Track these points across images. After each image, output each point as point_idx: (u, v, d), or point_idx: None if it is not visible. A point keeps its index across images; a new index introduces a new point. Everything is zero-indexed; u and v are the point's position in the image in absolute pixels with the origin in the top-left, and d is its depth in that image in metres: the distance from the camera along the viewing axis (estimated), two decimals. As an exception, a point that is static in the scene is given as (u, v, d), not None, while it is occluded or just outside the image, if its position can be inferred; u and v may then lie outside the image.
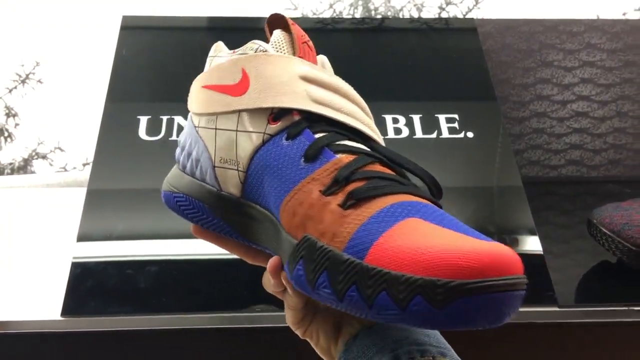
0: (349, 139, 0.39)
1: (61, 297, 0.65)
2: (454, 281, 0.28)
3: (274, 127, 0.39)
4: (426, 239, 0.31)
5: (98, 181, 0.75)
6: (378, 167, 0.37)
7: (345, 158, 0.37)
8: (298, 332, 0.44)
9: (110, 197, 0.75)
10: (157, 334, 0.63)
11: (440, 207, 0.36)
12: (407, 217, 0.33)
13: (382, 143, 0.41)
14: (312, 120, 0.39)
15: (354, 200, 0.34)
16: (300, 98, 0.39)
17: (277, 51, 0.41)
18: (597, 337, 0.66)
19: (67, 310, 0.64)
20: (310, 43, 0.42)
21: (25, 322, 0.63)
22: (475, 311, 0.29)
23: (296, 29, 0.42)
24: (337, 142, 0.38)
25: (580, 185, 0.89)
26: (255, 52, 0.41)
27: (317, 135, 0.38)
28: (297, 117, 0.39)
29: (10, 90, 0.97)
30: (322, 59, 0.43)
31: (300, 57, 0.40)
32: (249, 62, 0.40)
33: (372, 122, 0.41)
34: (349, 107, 0.40)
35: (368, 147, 0.39)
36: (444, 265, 0.29)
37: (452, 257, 0.29)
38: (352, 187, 0.35)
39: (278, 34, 0.42)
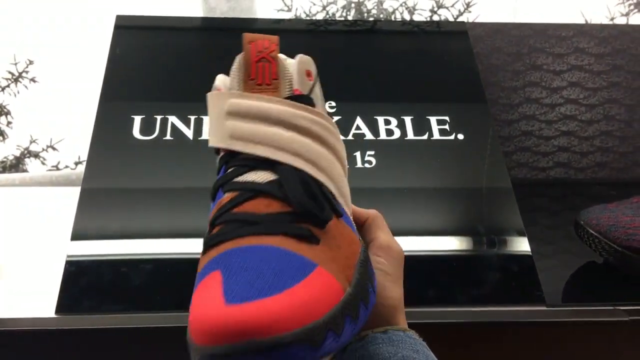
0: (256, 169, 0.37)
1: (55, 295, 0.65)
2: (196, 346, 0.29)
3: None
4: (193, 302, 0.31)
5: (92, 180, 0.76)
6: (249, 205, 0.35)
7: (226, 198, 0.36)
8: None
9: (104, 196, 0.75)
10: (150, 331, 0.63)
11: (308, 235, 0.34)
12: (209, 273, 0.32)
13: (306, 156, 0.38)
14: (232, 155, 0.38)
15: (203, 251, 0.34)
16: (221, 135, 0.38)
17: (232, 80, 0.41)
18: (583, 335, 0.67)
19: (61, 308, 0.65)
20: (273, 54, 0.40)
21: (20, 319, 0.63)
22: None
23: (251, 48, 0.40)
24: (235, 179, 0.37)
25: (567, 187, 0.91)
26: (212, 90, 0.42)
27: (228, 171, 0.38)
28: (222, 154, 0.40)
29: (3, 89, 0.97)
30: (302, 60, 0.41)
31: (252, 78, 0.39)
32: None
33: (294, 141, 0.38)
34: (270, 133, 0.38)
35: (272, 174, 0.37)
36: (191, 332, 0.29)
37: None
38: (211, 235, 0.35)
39: (236, 60, 0.42)
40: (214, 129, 0.39)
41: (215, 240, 0.33)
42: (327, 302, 0.30)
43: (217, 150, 0.41)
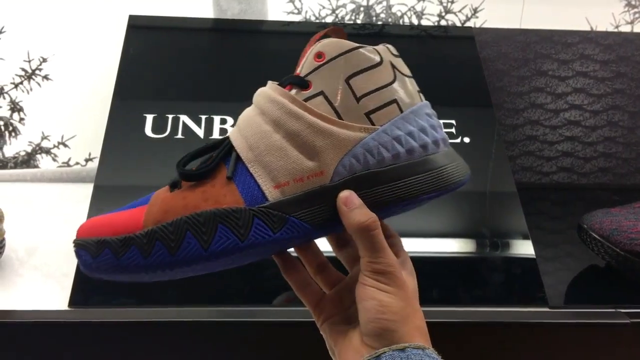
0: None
1: (69, 289, 0.67)
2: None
3: None
4: None
5: (105, 177, 0.77)
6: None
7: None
8: (317, 323, 0.46)
9: (117, 192, 0.76)
10: (161, 325, 0.65)
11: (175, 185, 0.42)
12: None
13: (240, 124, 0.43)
14: None
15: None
16: None
17: None
18: (585, 336, 0.68)
19: (74, 301, 0.66)
20: (310, 47, 0.43)
21: (35, 311, 0.65)
22: None
23: (311, 46, 0.43)
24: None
25: (571, 191, 0.92)
26: None
27: None
28: None
29: (16, 86, 0.98)
30: (319, 44, 0.43)
31: (297, 73, 0.43)
32: None
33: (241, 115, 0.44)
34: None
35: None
36: None
37: None
38: None
39: None
40: None
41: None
42: (115, 229, 0.40)
43: None
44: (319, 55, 0.42)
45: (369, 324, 0.39)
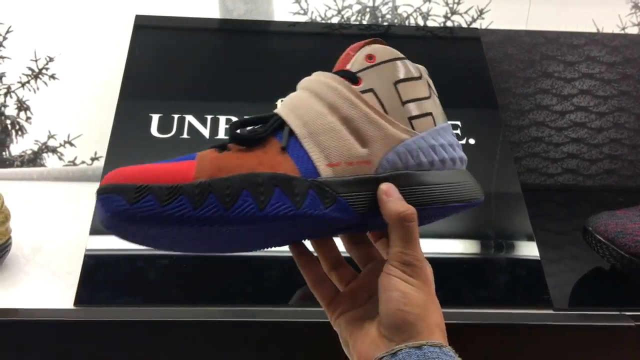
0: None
1: (74, 288, 0.67)
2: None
3: None
4: None
5: (110, 176, 0.77)
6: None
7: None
8: (331, 319, 0.46)
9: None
10: (166, 325, 0.65)
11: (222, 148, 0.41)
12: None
13: (290, 105, 0.44)
14: None
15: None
16: None
17: None
18: (589, 339, 0.68)
19: (79, 300, 0.66)
20: (353, 49, 0.46)
21: (40, 310, 0.65)
22: None
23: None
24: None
25: (576, 193, 0.92)
26: None
27: None
28: None
29: (23, 85, 0.99)
30: (369, 47, 0.46)
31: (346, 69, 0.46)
32: None
33: (295, 96, 0.45)
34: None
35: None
36: None
37: None
38: None
39: None
40: None
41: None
42: (159, 177, 0.37)
43: None
44: (370, 56, 0.45)
45: (390, 315, 0.39)
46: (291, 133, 0.42)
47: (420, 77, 0.46)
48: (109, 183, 0.37)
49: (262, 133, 0.42)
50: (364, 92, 0.43)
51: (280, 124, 0.43)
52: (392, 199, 0.41)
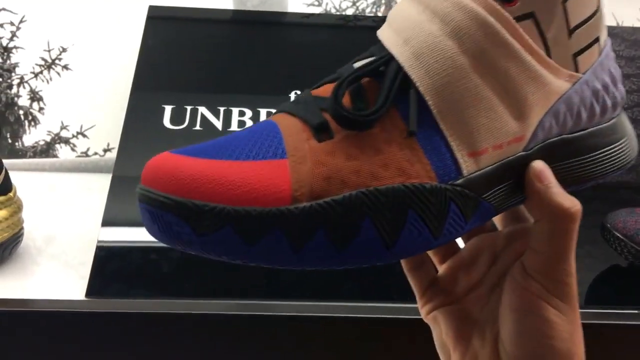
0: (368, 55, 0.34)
1: (86, 279, 0.67)
2: None
3: None
4: None
5: (123, 168, 0.77)
6: (323, 89, 0.31)
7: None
8: (421, 311, 0.38)
9: (135, 183, 0.76)
10: (177, 317, 0.65)
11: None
12: None
13: (415, 46, 0.29)
14: None
15: None
16: None
17: None
18: (606, 338, 0.67)
19: (91, 291, 0.66)
20: None
21: (52, 300, 0.65)
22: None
23: None
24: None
25: (594, 190, 0.90)
26: None
27: None
28: None
29: (36, 75, 0.99)
30: None
31: None
32: None
33: (415, 26, 0.30)
34: (405, 14, 0.32)
35: (370, 59, 0.32)
36: None
37: None
38: None
39: None
40: None
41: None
42: (247, 197, 0.25)
43: None
44: None
45: (524, 345, 0.31)
46: (419, 101, 0.27)
47: None
48: (161, 192, 0.25)
49: (382, 107, 0.27)
50: (520, 18, 0.27)
51: (402, 81, 0.28)
52: (551, 186, 0.30)
